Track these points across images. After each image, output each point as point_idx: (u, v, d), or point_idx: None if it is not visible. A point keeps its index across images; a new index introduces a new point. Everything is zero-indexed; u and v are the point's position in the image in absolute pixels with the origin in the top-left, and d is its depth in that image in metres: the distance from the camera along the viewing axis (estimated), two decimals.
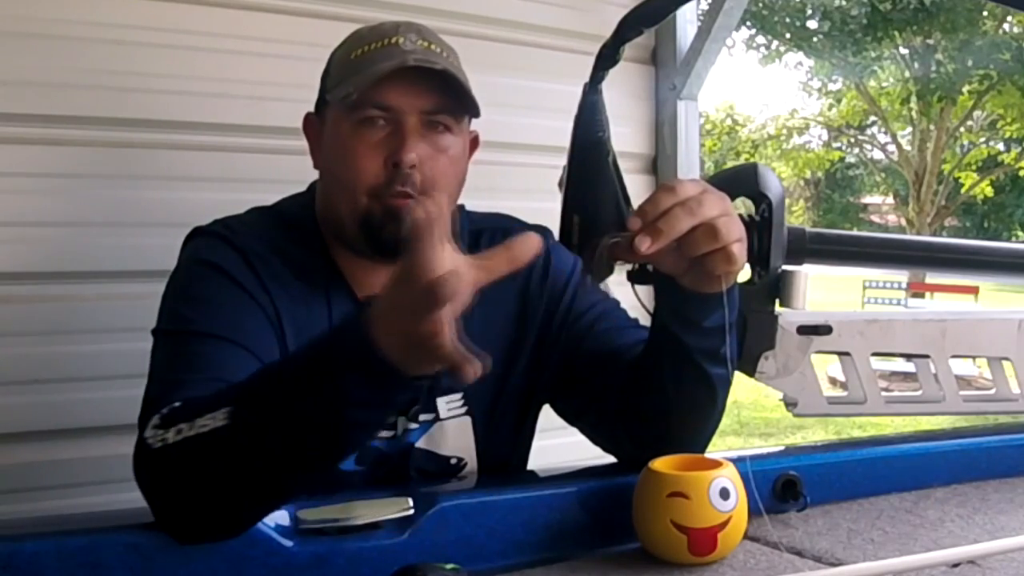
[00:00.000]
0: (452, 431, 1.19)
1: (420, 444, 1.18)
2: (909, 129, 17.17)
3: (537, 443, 1.31)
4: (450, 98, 1.11)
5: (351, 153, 1.11)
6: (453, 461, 1.20)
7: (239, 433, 0.84)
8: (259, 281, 1.10)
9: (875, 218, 25.40)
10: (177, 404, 0.91)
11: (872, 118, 18.45)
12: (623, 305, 1.30)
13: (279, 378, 0.87)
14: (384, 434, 1.16)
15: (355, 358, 0.80)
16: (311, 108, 1.22)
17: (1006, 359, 1.54)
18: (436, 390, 1.18)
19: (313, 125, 1.20)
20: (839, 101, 18.45)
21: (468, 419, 1.20)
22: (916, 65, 15.67)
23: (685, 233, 0.92)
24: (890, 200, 21.69)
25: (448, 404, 1.19)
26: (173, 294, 1.10)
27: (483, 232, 1.23)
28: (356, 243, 1.14)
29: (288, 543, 0.91)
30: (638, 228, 0.91)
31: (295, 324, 1.10)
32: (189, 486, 0.88)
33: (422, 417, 1.18)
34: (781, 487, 1.14)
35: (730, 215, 0.95)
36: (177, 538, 0.88)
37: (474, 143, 1.22)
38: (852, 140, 19.98)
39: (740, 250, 0.96)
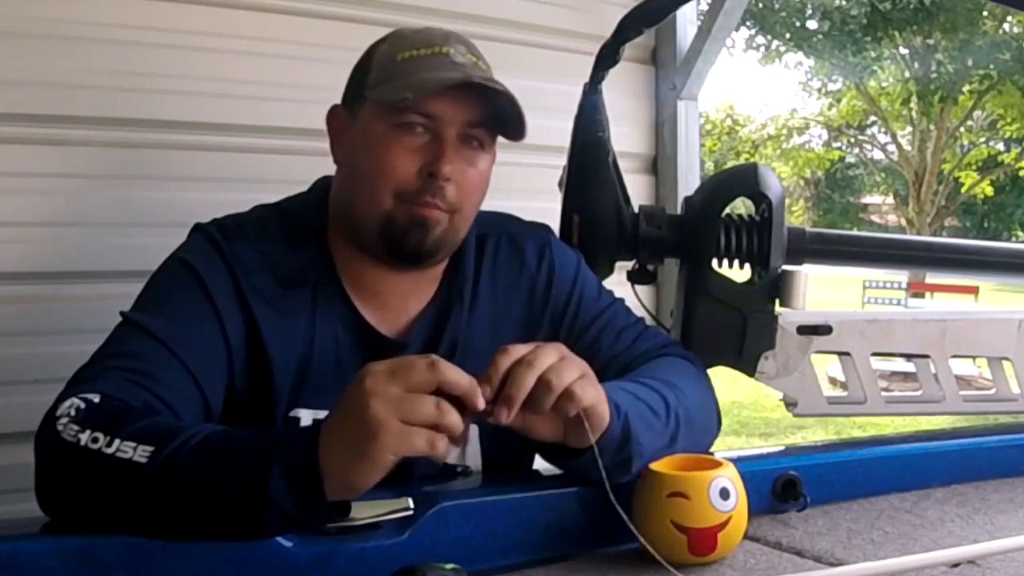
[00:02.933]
0: None
1: None
2: (909, 129, 17.16)
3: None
4: (491, 115, 1.11)
5: (386, 154, 1.09)
6: (460, 469, 1.19)
7: (153, 479, 0.86)
8: (235, 289, 1.09)
9: (875, 218, 25.39)
10: (96, 400, 0.93)
11: (872, 118, 18.44)
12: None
13: (217, 456, 0.88)
14: None
15: (288, 455, 0.84)
16: (311, 107, 1.22)
17: (1006, 359, 1.55)
18: None
19: (340, 118, 1.17)
20: (839, 101, 18.43)
21: (475, 427, 1.19)
22: (916, 65, 15.67)
23: (531, 391, 0.93)
24: (890, 200, 21.69)
25: None
26: (148, 284, 1.11)
27: (488, 237, 1.23)
28: (371, 245, 1.13)
29: (288, 543, 0.91)
30: (490, 398, 0.92)
31: (280, 334, 1.10)
32: (82, 492, 0.90)
33: None
34: (781, 487, 1.14)
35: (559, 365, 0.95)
36: (47, 512, 0.92)
37: (492, 157, 1.20)
38: (852, 140, 19.97)
39: (583, 388, 0.95)
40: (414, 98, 1.07)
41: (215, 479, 0.86)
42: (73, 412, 0.91)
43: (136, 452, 0.87)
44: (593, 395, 0.97)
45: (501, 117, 1.11)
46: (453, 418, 0.85)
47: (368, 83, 1.13)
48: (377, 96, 1.11)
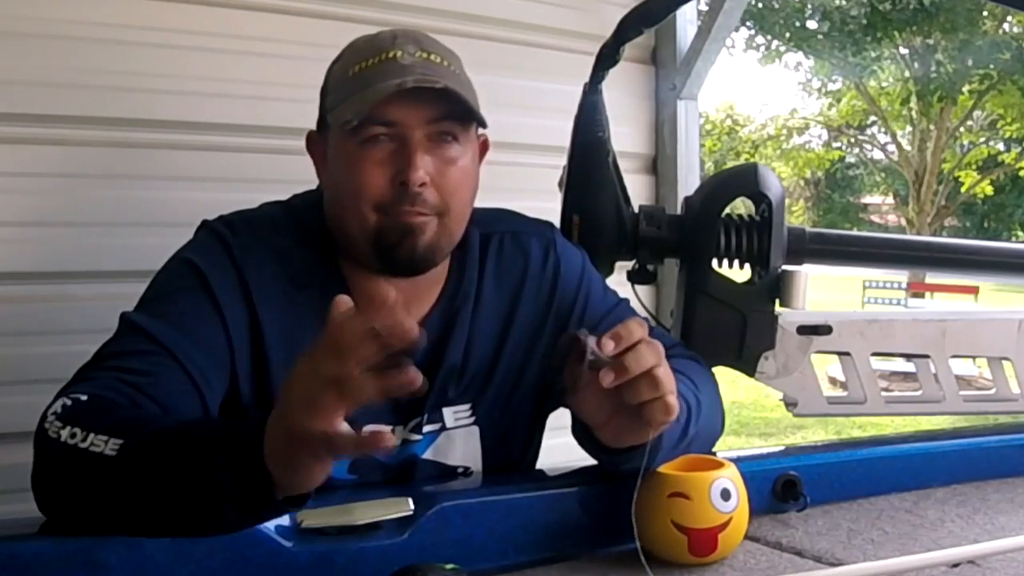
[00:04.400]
0: (459, 441, 1.19)
1: (427, 455, 1.17)
2: (909, 129, 17.16)
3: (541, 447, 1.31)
4: (455, 107, 1.08)
5: (356, 173, 1.08)
6: (460, 470, 1.20)
7: (121, 471, 0.86)
8: (242, 290, 1.08)
9: (875, 218, 25.38)
10: (84, 398, 0.93)
11: (872, 118, 18.44)
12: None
13: (173, 446, 0.87)
14: None
15: (237, 464, 0.81)
16: (311, 107, 1.21)
17: (1006, 359, 1.55)
18: (443, 400, 1.17)
19: (316, 144, 1.16)
20: (839, 101, 18.42)
21: (476, 429, 1.19)
22: (916, 65, 15.66)
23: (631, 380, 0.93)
24: (890, 200, 21.68)
25: (455, 414, 1.18)
26: (152, 284, 1.10)
27: (491, 236, 1.22)
28: (368, 260, 1.12)
29: (288, 543, 0.91)
30: (612, 352, 0.92)
31: (283, 335, 1.09)
32: (61, 485, 0.91)
33: (427, 428, 1.16)
34: (781, 487, 1.14)
35: (667, 367, 0.96)
36: (39, 507, 0.93)
37: (484, 147, 1.19)
38: (852, 140, 19.97)
39: (675, 401, 0.96)
40: (356, 119, 1.05)
41: (170, 474, 0.85)
42: (59, 409, 0.92)
43: (107, 445, 0.87)
44: (673, 413, 0.96)
45: (466, 107, 1.09)
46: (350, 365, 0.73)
47: (327, 105, 1.13)
48: (332, 120, 1.10)
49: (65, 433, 0.89)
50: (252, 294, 1.08)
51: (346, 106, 1.07)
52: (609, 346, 0.92)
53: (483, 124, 1.12)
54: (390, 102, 1.05)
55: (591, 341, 0.93)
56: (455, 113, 1.09)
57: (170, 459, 0.85)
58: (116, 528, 0.87)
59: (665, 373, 0.94)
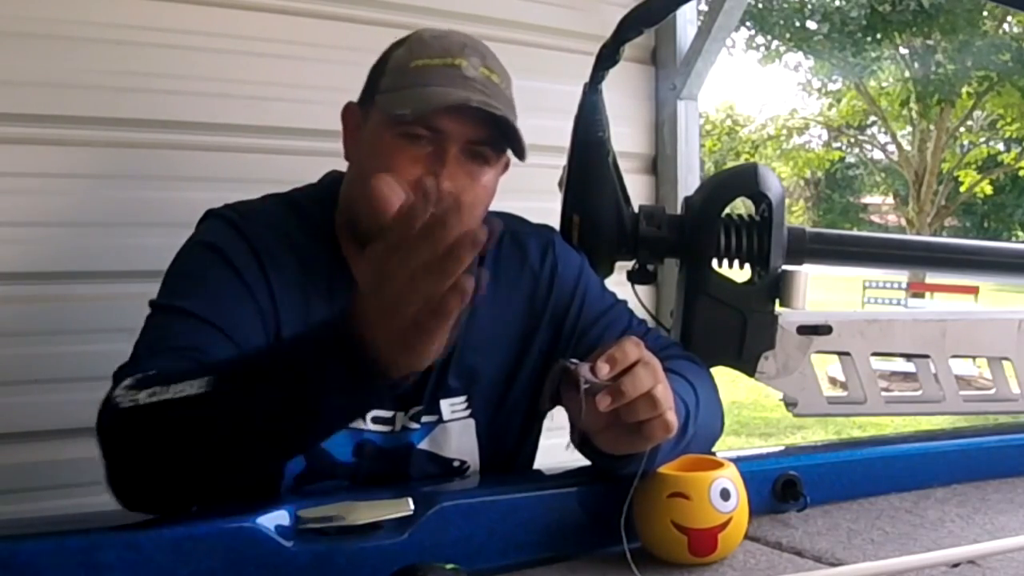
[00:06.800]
0: (455, 433, 1.19)
1: (423, 446, 1.18)
2: (909, 129, 17.16)
3: (539, 442, 1.31)
4: (498, 134, 1.11)
5: (387, 162, 1.09)
6: (456, 463, 1.20)
7: (215, 403, 0.85)
8: (261, 271, 1.10)
9: (875, 218, 25.39)
10: (152, 372, 0.93)
11: (872, 118, 18.44)
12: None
13: (265, 358, 0.88)
14: (380, 428, 1.16)
15: (339, 349, 0.80)
16: (311, 107, 1.22)
17: (1006, 359, 1.55)
18: (440, 392, 1.18)
19: (353, 116, 1.18)
20: (839, 101, 18.42)
21: (472, 422, 1.20)
22: (916, 66, 15.66)
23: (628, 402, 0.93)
24: (890, 200, 21.69)
25: (452, 406, 1.19)
26: (173, 271, 1.11)
27: None
28: (372, 239, 1.13)
29: (288, 543, 0.91)
30: (606, 376, 0.92)
31: (294, 315, 1.10)
32: (151, 447, 0.89)
33: (424, 419, 1.17)
34: (781, 487, 1.14)
35: (665, 384, 0.96)
36: (123, 502, 0.91)
37: (505, 165, 1.20)
38: (852, 140, 19.97)
39: (674, 417, 0.96)
40: (412, 115, 1.07)
41: (270, 383, 0.84)
42: (131, 382, 0.91)
43: (194, 386, 0.86)
44: (672, 430, 0.96)
45: (507, 134, 1.11)
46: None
47: (380, 87, 1.14)
48: (383, 105, 1.12)
49: (143, 396, 0.88)
50: (268, 274, 1.10)
51: (402, 97, 1.09)
52: (604, 370, 0.92)
53: (523, 156, 1.13)
54: (440, 111, 1.07)
55: (584, 368, 0.93)
56: (495, 140, 1.11)
57: (268, 369, 0.85)
58: (210, 476, 0.88)
59: (663, 391, 0.94)
